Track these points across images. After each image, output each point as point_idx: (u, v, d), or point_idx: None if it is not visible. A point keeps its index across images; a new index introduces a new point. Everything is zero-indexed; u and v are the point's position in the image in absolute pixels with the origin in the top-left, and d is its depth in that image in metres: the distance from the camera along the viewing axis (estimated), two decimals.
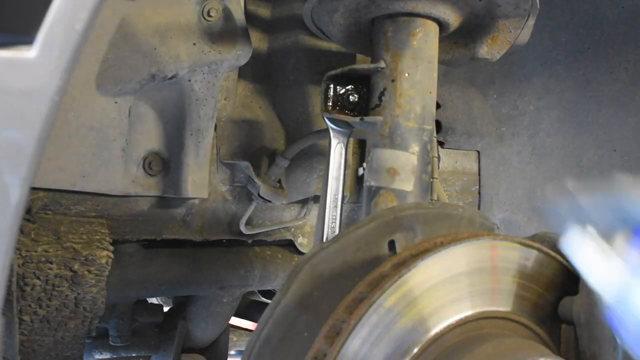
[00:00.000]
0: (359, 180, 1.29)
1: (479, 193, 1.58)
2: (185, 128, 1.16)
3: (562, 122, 1.39)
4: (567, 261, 0.89)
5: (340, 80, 1.02)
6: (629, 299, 0.63)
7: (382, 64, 0.99)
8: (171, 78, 1.05)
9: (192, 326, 1.57)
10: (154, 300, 1.66)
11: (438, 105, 1.59)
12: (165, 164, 1.16)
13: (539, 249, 0.87)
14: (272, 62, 1.25)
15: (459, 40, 1.10)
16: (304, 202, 1.43)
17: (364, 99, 1.03)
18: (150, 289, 1.40)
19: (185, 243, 1.39)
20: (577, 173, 1.40)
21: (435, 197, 1.02)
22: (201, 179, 1.20)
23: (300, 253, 1.51)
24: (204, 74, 1.10)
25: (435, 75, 1.02)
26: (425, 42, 0.99)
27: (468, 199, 1.59)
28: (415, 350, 0.82)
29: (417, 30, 0.98)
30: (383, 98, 0.99)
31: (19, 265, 1.07)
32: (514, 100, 1.38)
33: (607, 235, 0.65)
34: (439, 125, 1.64)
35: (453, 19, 1.01)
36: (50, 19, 0.55)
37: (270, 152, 1.30)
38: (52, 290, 1.10)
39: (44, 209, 1.11)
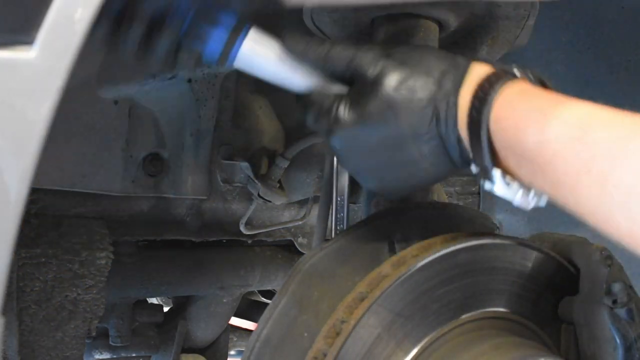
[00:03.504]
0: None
1: (479, 194, 1.58)
2: (185, 128, 1.16)
3: None
4: (567, 261, 0.89)
5: None
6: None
7: None
8: (171, 78, 1.05)
9: (192, 326, 1.57)
10: (154, 300, 1.66)
11: None
12: (165, 164, 1.16)
13: (538, 249, 0.87)
14: None
15: (459, 41, 1.10)
16: (304, 202, 1.43)
17: None
18: (150, 289, 1.40)
19: (185, 243, 1.39)
20: None
21: (435, 198, 1.02)
22: (201, 179, 1.20)
23: (300, 253, 1.51)
24: (204, 74, 1.10)
25: None
26: (425, 42, 0.99)
27: (468, 200, 1.59)
28: (415, 350, 0.82)
29: (417, 30, 0.98)
30: None
31: (19, 266, 1.07)
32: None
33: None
34: None
35: (453, 19, 1.01)
36: (50, 19, 0.55)
37: (270, 152, 1.29)
38: (52, 290, 1.10)
39: (44, 209, 1.11)
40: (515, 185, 0.64)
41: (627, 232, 0.53)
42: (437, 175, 0.74)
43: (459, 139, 0.68)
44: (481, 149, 0.64)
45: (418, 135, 0.69)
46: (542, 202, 0.66)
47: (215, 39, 0.68)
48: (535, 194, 0.65)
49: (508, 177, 0.65)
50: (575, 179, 0.56)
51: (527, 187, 0.64)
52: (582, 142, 0.55)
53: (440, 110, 0.68)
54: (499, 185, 0.65)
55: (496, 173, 0.64)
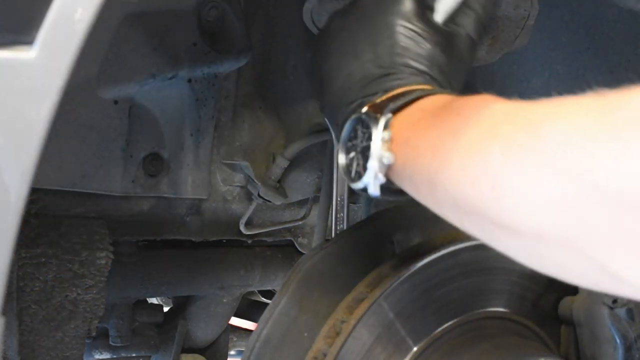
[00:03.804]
0: None
1: None
2: (185, 128, 1.16)
3: None
4: None
5: None
6: None
7: None
8: (171, 78, 1.05)
9: (192, 326, 1.57)
10: (154, 300, 1.66)
11: None
12: (165, 164, 1.16)
13: None
14: (272, 62, 1.25)
15: None
16: (304, 202, 1.43)
17: None
18: (150, 289, 1.40)
19: (185, 243, 1.39)
20: None
21: None
22: (201, 179, 1.20)
23: (300, 253, 1.51)
24: (203, 74, 1.10)
25: None
26: None
27: None
28: (415, 350, 0.82)
29: None
30: None
31: (19, 266, 1.07)
32: (514, 100, 1.38)
33: None
34: None
35: None
36: (50, 19, 0.55)
37: (270, 152, 1.29)
38: (52, 290, 1.10)
39: (44, 209, 1.11)
40: (389, 142, 0.65)
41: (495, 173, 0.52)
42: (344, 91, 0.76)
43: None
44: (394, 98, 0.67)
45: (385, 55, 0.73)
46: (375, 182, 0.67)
47: None
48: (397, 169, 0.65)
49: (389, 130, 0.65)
50: (464, 121, 0.57)
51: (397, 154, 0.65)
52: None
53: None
54: (377, 132, 0.65)
55: (384, 119, 0.65)
